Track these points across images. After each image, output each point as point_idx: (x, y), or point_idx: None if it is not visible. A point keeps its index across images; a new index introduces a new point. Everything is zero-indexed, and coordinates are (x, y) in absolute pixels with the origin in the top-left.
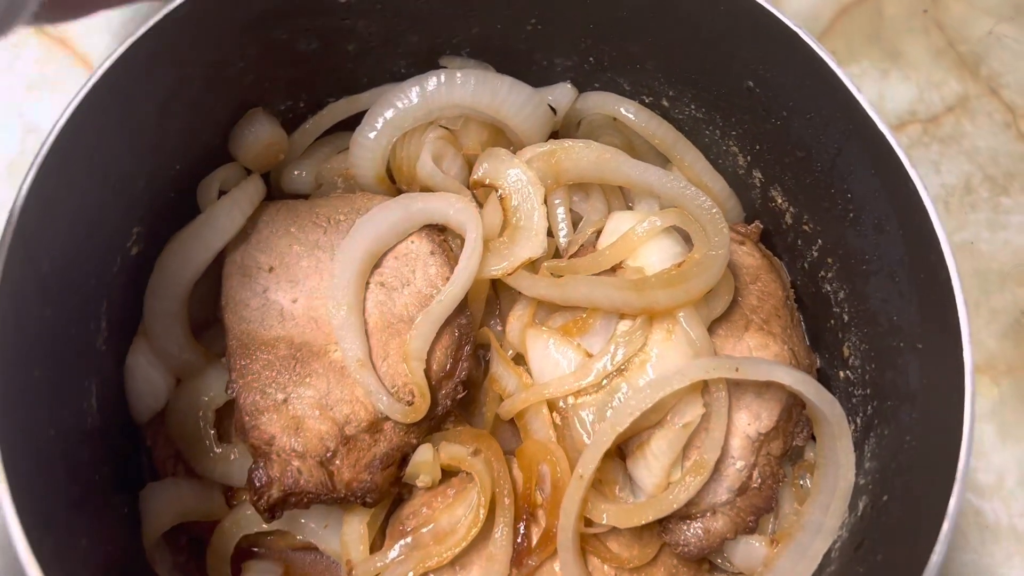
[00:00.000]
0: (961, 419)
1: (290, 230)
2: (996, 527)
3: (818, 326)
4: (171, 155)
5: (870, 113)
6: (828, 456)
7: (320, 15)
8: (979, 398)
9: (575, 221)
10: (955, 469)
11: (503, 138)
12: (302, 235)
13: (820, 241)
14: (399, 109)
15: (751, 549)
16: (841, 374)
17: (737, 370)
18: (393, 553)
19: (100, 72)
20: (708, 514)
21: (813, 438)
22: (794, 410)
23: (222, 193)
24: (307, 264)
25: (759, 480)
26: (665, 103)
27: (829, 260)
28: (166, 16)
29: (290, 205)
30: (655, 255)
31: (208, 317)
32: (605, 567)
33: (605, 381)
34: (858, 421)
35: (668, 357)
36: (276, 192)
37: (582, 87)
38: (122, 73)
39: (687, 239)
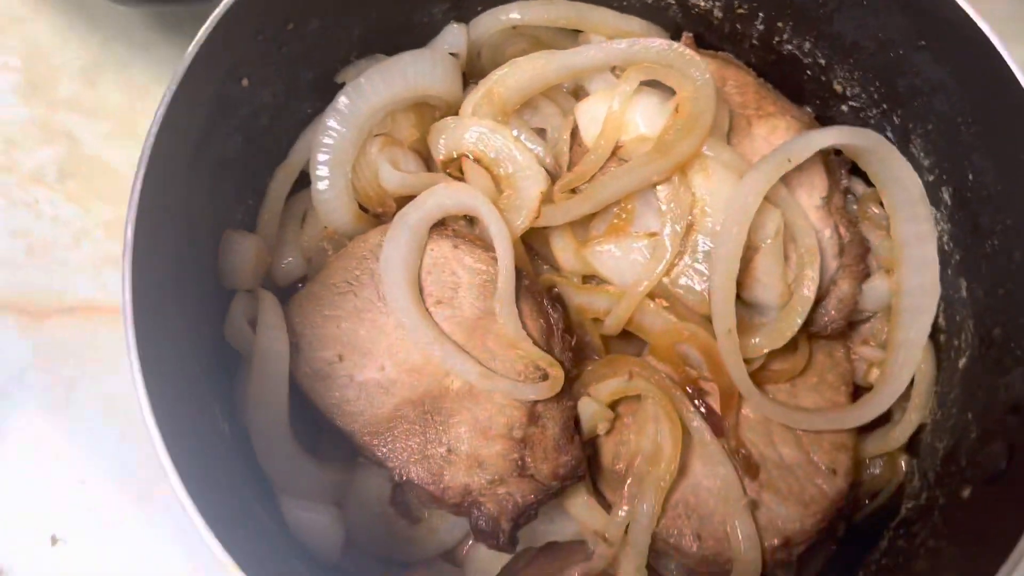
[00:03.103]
0: (1011, 73)
1: (325, 314)
2: None
3: (794, 85)
4: (196, 327)
5: None
6: (886, 178)
7: (233, 111)
8: None
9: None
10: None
11: (427, 109)
12: (340, 311)
13: (761, 14)
14: (332, 146)
15: (876, 289)
16: (844, 108)
17: (789, 160)
18: (626, 501)
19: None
20: (831, 287)
21: (853, 171)
22: (829, 161)
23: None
24: (366, 332)
25: (846, 233)
26: None
27: (779, 24)
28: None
29: (306, 294)
30: (642, 118)
31: (314, 433)
32: (781, 386)
33: (683, 245)
34: (889, 135)
35: (719, 191)
36: (277, 294)
37: (468, 16)
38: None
39: (655, 84)
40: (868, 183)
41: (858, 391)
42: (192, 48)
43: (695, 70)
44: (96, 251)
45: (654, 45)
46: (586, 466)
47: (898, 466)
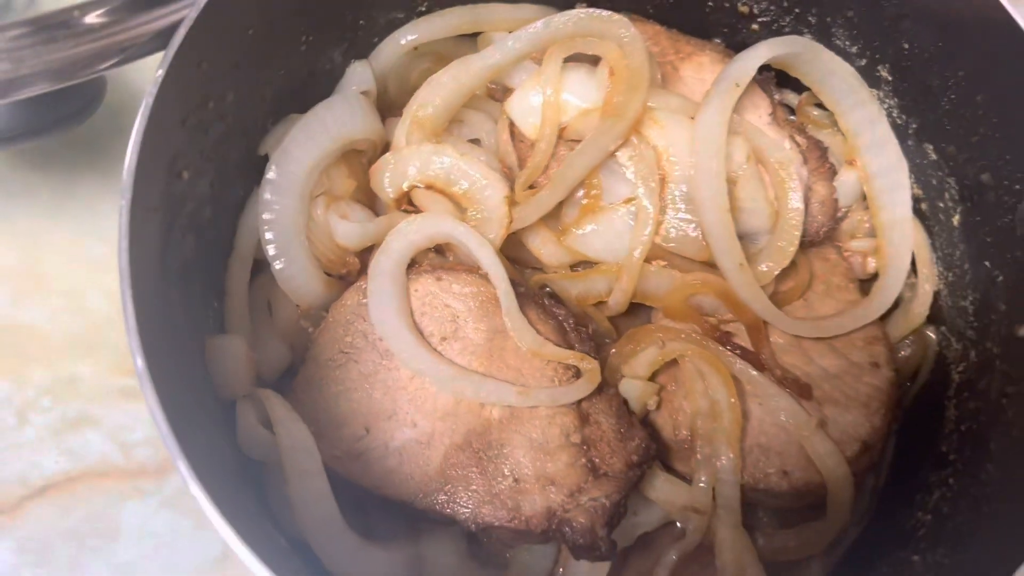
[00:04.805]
0: None
1: (332, 392)
2: None
3: (698, 22)
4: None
5: None
6: (822, 76)
7: (180, 208)
8: None
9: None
10: None
11: (355, 155)
12: (349, 384)
13: None
14: (276, 221)
15: (846, 183)
16: (754, 26)
17: (737, 84)
18: (703, 464)
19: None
20: (808, 194)
21: (777, 85)
22: (759, 79)
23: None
24: (382, 395)
25: (801, 140)
26: None
27: None
28: None
29: (303, 380)
30: (576, 94)
31: (361, 515)
32: (795, 305)
33: (661, 200)
34: (807, 34)
35: (678, 137)
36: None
37: (365, 52)
38: None
39: (575, 57)
40: (797, 91)
41: (861, 285)
42: (132, 146)
43: (619, 28)
44: (47, 420)
45: (570, 16)
46: (655, 448)
47: (927, 339)
